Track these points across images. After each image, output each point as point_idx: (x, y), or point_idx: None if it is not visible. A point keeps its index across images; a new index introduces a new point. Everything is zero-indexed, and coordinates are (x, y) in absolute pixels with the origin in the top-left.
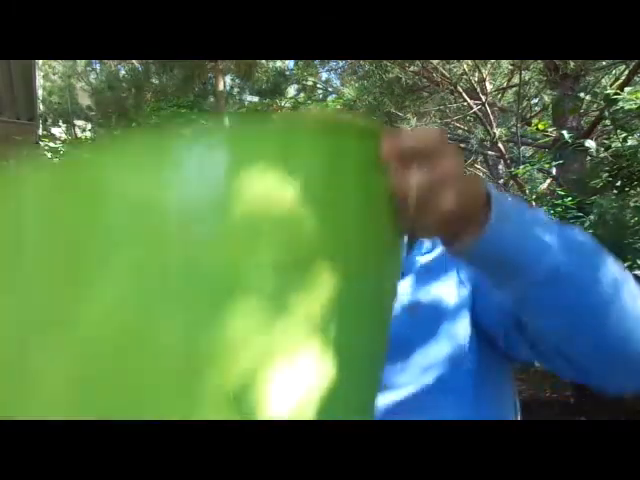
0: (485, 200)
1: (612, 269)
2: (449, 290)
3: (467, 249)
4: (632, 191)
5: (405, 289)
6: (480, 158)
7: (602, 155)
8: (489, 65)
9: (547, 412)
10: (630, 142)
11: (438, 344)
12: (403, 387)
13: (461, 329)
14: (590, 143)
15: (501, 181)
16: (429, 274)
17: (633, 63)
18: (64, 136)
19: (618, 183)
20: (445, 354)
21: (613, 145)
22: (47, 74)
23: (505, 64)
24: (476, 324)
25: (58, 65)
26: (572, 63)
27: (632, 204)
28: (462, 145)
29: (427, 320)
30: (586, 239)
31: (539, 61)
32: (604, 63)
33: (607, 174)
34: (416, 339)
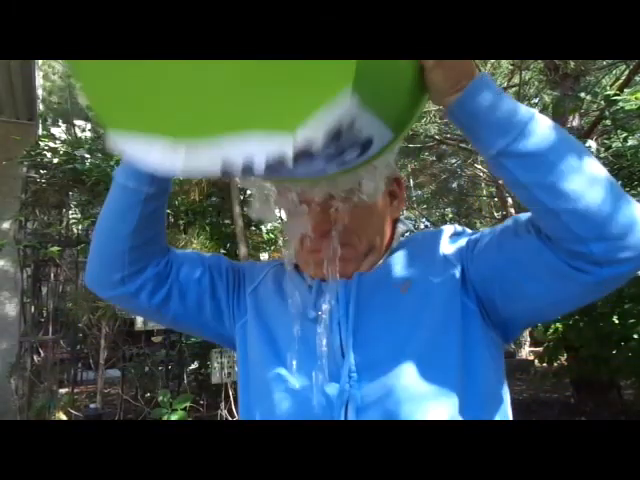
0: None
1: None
2: (438, 271)
3: (458, 104)
4: (632, 191)
5: (399, 267)
6: (480, 157)
7: (602, 155)
8: (489, 65)
9: (547, 412)
10: (630, 142)
11: (426, 316)
12: (392, 354)
13: (447, 304)
14: (590, 143)
15: (501, 181)
16: (421, 256)
17: (633, 63)
18: (64, 136)
19: (618, 183)
20: (432, 326)
21: (613, 145)
22: (47, 74)
23: (505, 64)
24: (471, 297)
25: (58, 65)
26: (572, 63)
27: None
28: (462, 145)
29: (416, 295)
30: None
31: (539, 61)
32: (604, 63)
33: None
34: (405, 312)
